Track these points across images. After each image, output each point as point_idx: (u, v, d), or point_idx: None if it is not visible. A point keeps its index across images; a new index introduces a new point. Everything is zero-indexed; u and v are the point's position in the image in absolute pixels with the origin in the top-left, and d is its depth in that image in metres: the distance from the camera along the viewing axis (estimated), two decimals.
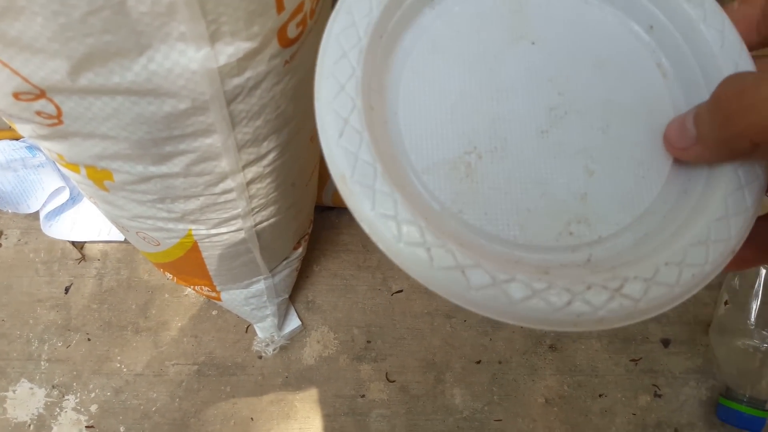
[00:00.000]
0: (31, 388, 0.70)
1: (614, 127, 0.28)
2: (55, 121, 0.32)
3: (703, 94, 0.28)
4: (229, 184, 0.40)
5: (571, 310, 0.23)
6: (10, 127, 0.83)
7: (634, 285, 0.24)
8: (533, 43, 0.30)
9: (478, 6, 0.30)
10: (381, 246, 0.24)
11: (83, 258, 0.76)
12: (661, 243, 0.26)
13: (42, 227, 0.74)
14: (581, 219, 0.27)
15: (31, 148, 0.77)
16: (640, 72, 0.30)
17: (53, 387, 0.70)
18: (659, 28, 0.30)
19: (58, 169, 0.76)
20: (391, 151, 0.27)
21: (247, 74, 0.31)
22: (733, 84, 0.23)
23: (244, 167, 0.39)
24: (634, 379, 0.74)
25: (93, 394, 0.70)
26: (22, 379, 0.71)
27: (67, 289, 0.75)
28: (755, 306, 0.70)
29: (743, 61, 0.28)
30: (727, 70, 0.27)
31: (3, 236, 0.77)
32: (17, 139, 0.79)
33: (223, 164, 0.37)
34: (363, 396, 0.72)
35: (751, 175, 0.26)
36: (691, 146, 0.26)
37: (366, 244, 0.78)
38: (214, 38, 0.28)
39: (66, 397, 0.70)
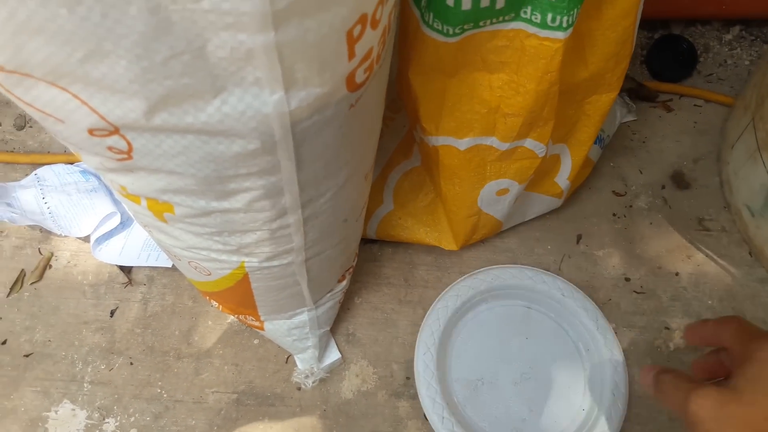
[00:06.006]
0: (73, 410, 0.71)
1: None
2: (125, 156, 0.33)
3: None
4: (287, 220, 0.40)
5: None
6: (65, 150, 0.86)
7: None
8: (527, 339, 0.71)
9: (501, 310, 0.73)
10: None
11: (130, 282, 0.77)
12: None
13: (92, 251, 0.76)
14: None
15: (84, 172, 0.80)
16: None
17: (94, 409, 0.71)
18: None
19: (111, 194, 0.78)
20: None
21: (315, 117, 0.31)
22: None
23: (303, 205, 0.39)
24: None
25: (133, 419, 0.71)
26: (65, 400, 0.71)
27: (112, 313, 0.76)
28: None
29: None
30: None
31: (54, 258, 0.79)
32: (71, 164, 0.81)
33: (284, 201, 0.38)
34: None
35: None
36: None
37: (408, 278, 0.78)
38: (288, 83, 0.28)
39: (106, 420, 0.70)
